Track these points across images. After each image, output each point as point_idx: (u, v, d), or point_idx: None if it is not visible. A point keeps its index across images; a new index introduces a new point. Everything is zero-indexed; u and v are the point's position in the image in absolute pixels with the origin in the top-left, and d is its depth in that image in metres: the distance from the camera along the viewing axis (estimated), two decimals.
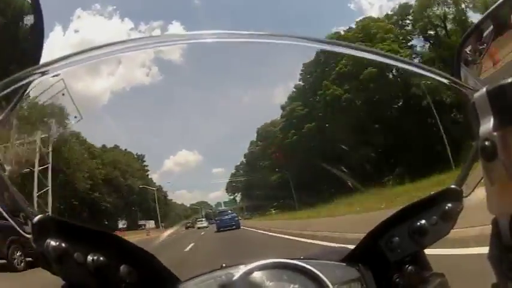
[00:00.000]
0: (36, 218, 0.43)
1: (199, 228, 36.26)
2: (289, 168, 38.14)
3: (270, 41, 0.46)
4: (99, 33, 60.05)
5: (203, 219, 41.02)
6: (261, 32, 0.46)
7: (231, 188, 63.82)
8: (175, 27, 60.64)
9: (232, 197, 62.98)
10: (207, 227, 34.76)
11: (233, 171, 62.62)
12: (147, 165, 55.95)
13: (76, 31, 56.74)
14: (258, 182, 50.94)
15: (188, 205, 72.24)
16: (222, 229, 21.84)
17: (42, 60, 0.54)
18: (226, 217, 23.98)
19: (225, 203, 55.48)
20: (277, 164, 42.65)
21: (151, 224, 50.02)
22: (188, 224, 43.13)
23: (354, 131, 29.43)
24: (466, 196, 0.60)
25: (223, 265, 0.59)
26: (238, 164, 61.30)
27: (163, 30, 58.36)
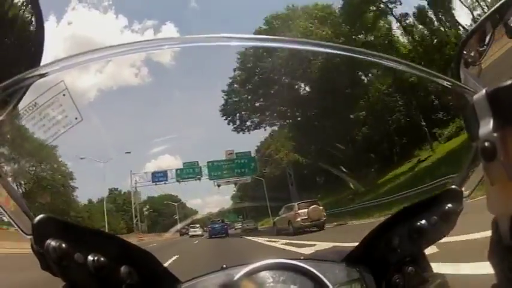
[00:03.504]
0: (36, 219, 0.43)
1: (191, 236, 28.45)
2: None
3: (263, 45, 0.46)
4: (92, 28, 58.90)
5: (197, 226, 31.62)
6: (253, 35, 0.46)
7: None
8: (169, 28, 60.02)
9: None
10: (201, 235, 28.22)
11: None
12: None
13: (69, 23, 54.85)
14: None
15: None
16: (213, 236, 23.57)
17: (43, 62, 0.55)
18: (217, 226, 25.90)
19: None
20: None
21: None
22: (183, 231, 34.57)
23: (350, 133, 29.19)
24: (467, 197, 0.60)
25: (224, 266, 0.59)
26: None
27: (156, 31, 57.78)
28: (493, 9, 0.70)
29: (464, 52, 0.76)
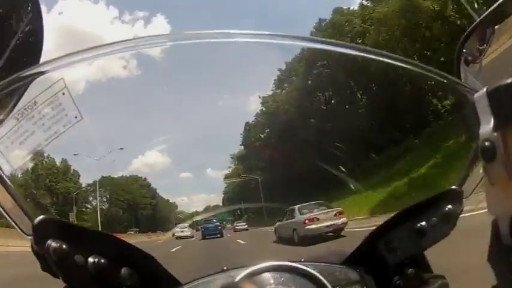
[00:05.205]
0: (37, 219, 0.43)
1: (178, 238, 22.72)
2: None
3: (250, 40, 0.46)
4: (82, 19, 57.63)
5: (186, 225, 26.08)
6: (242, 31, 0.45)
7: None
8: (159, 20, 58.73)
9: None
10: (191, 237, 23.28)
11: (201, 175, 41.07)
12: None
13: (60, 13, 53.66)
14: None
15: None
16: (207, 237, 21.43)
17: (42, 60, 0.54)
18: (211, 226, 23.62)
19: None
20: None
21: None
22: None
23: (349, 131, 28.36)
24: (467, 197, 0.59)
25: (225, 268, 0.59)
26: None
27: (147, 22, 56.59)
28: (493, 7, 0.69)
29: (464, 50, 0.75)
